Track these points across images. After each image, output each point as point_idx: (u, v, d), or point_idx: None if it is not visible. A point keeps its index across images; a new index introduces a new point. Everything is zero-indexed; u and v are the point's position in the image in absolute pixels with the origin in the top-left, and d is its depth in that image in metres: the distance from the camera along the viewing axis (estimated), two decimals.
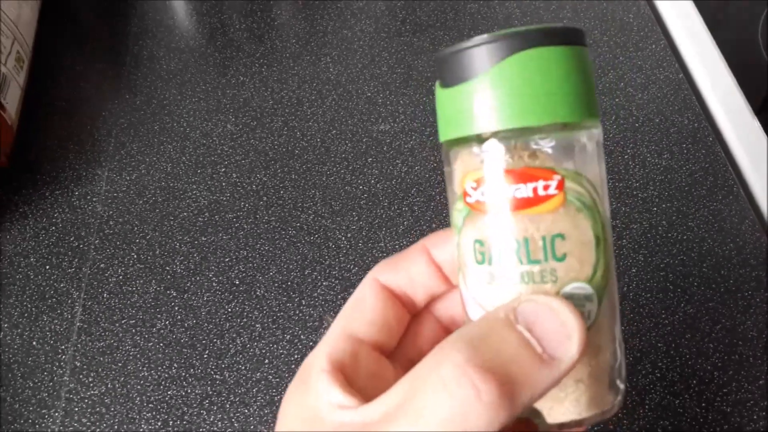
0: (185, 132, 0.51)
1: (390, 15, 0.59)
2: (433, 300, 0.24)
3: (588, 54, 0.20)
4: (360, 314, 0.23)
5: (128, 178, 0.49)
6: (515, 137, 0.19)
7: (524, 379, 0.17)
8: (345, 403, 0.20)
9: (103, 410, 0.38)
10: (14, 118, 0.49)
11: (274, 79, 0.54)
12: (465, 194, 0.20)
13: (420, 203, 0.47)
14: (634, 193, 0.47)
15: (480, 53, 0.19)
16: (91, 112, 0.53)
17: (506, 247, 0.19)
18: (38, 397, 0.39)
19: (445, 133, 0.21)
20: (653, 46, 0.56)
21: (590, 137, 0.20)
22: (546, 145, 0.19)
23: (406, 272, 0.23)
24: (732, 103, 0.53)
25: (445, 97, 0.21)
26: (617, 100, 0.52)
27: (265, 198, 0.47)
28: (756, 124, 0.51)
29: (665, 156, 0.49)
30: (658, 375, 0.39)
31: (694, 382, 0.39)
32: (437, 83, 0.21)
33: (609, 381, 0.20)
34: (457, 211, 0.21)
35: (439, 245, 0.23)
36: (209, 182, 0.48)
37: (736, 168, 0.50)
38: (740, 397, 0.38)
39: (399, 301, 0.23)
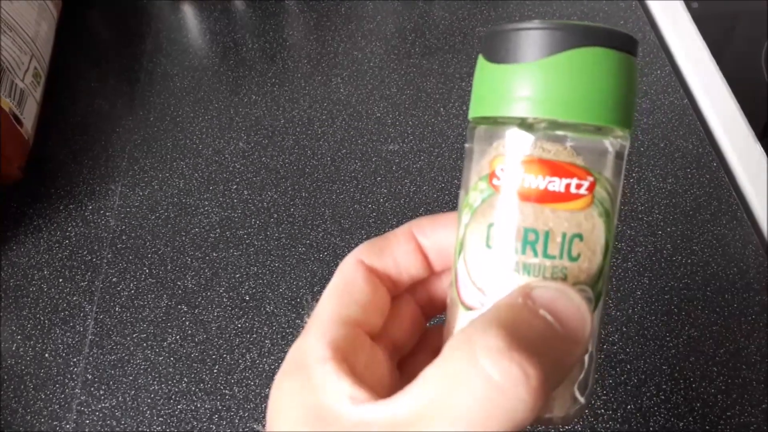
0: (198, 149, 0.52)
1: (400, 37, 0.60)
2: (413, 283, 0.24)
3: (636, 66, 0.20)
4: (351, 298, 0.21)
5: (141, 193, 0.49)
6: (559, 129, 0.19)
7: (557, 361, 0.17)
8: (357, 395, 0.18)
9: (114, 423, 0.39)
10: (30, 132, 0.50)
11: (285, 98, 0.55)
12: (493, 175, 0.19)
13: None
14: (639, 216, 0.47)
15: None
16: (106, 127, 0.54)
17: (524, 237, 0.19)
18: (50, 409, 0.39)
19: (483, 109, 0.20)
20: (658, 72, 0.57)
21: (622, 147, 0.20)
22: (585, 144, 0.19)
23: (391, 256, 0.23)
24: (736, 129, 0.53)
25: (494, 73, 0.20)
26: None
27: (275, 215, 0.48)
28: (759, 149, 0.52)
29: (670, 180, 0.49)
30: (663, 398, 0.39)
31: (698, 405, 0.39)
32: (482, 58, 0.20)
33: (572, 389, 0.20)
34: (478, 191, 0.20)
35: (425, 231, 0.23)
36: (221, 199, 0.49)
37: (740, 193, 0.50)
38: (743, 421, 0.39)
39: (383, 283, 0.23)
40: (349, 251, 0.46)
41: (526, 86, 0.19)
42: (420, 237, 0.23)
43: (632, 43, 0.19)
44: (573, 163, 0.19)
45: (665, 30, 0.62)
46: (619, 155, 0.20)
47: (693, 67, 0.58)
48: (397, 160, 0.51)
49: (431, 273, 0.23)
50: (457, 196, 0.49)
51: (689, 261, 0.45)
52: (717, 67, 0.57)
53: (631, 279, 0.44)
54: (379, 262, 0.23)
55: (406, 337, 0.24)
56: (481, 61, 0.20)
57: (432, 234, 0.23)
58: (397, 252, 0.23)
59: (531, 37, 0.19)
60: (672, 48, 0.60)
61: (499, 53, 0.19)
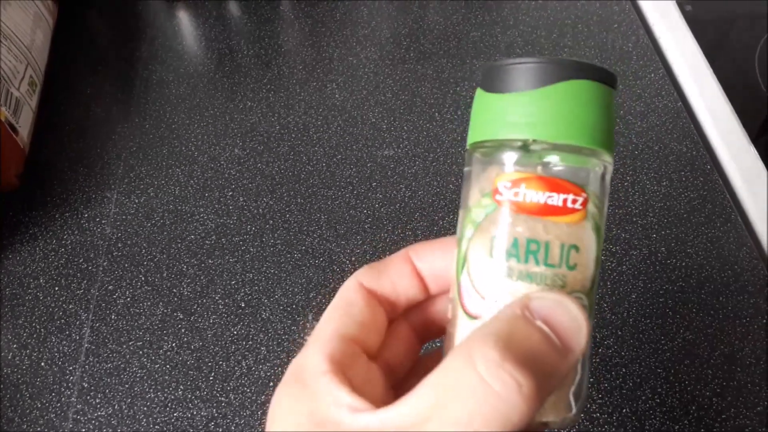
0: (193, 156, 0.52)
1: (395, 43, 0.60)
2: (410, 307, 0.25)
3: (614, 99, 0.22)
4: (350, 316, 0.23)
5: (137, 200, 0.49)
6: (554, 150, 0.21)
7: (551, 371, 0.18)
8: (356, 405, 0.19)
9: (110, 431, 0.39)
10: (26, 140, 0.51)
11: (280, 104, 0.55)
12: (496, 191, 0.21)
13: (423, 227, 0.48)
14: (634, 219, 0.48)
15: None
16: (101, 135, 0.54)
17: (526, 247, 0.21)
18: (46, 417, 0.39)
19: (485, 134, 0.22)
20: (652, 75, 0.57)
21: (608, 170, 0.22)
22: (577, 165, 0.21)
23: (389, 279, 0.24)
24: (729, 131, 0.54)
25: (496, 102, 0.22)
26: (617, 127, 0.53)
27: (271, 221, 0.48)
28: (753, 152, 0.52)
29: (664, 183, 0.50)
30: (658, 401, 0.40)
31: (693, 408, 0.39)
32: (482, 90, 0.22)
33: (568, 395, 0.22)
34: (481, 207, 0.22)
35: (422, 255, 0.24)
36: (216, 205, 0.49)
37: (734, 195, 0.50)
38: (738, 423, 0.39)
39: (381, 305, 0.24)
40: (344, 257, 0.46)
41: (526, 112, 0.21)
42: (416, 261, 0.24)
43: (614, 78, 0.22)
44: (568, 180, 0.21)
45: (659, 33, 0.62)
46: (604, 177, 0.22)
47: (687, 70, 0.58)
48: (392, 166, 0.51)
49: (427, 296, 0.25)
50: (451, 201, 0.50)
51: (684, 264, 0.45)
52: (711, 70, 0.57)
53: (626, 282, 0.44)
54: (377, 284, 0.24)
55: (401, 361, 0.24)
56: (481, 93, 0.22)
57: (427, 257, 0.24)
58: (394, 275, 0.24)
59: (531, 70, 0.21)
60: (665, 51, 0.60)
61: (500, 84, 0.21)
